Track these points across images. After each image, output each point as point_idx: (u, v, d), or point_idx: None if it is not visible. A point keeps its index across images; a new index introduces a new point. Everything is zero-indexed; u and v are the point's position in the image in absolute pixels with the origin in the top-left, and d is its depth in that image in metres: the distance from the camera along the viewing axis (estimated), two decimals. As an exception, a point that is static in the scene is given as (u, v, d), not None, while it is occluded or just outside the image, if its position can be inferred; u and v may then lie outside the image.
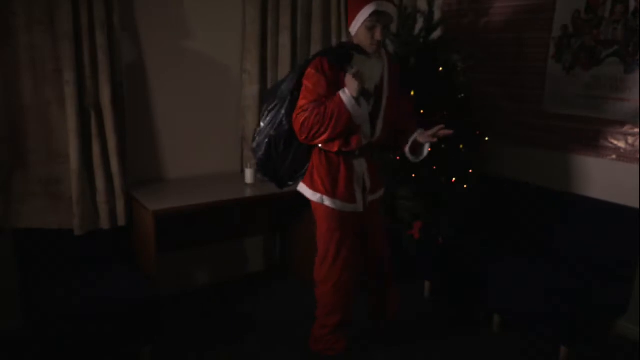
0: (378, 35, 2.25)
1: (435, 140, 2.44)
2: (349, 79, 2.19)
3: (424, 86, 3.01)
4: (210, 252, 3.42)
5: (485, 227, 3.25)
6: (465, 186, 3.07)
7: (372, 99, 2.37)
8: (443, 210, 3.08)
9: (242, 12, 3.14)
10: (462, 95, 3.11)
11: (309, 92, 2.27)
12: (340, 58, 2.29)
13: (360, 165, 2.46)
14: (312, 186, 2.45)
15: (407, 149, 2.54)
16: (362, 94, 2.25)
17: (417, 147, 2.54)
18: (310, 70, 2.28)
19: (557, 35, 3.12)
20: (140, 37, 2.86)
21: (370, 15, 2.21)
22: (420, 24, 3.22)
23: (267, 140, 2.44)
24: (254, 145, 2.51)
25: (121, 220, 2.81)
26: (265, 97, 2.61)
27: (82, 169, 2.64)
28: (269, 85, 3.29)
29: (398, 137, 2.57)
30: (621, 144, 2.91)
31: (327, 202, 2.42)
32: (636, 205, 2.79)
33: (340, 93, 2.23)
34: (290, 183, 2.58)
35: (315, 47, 3.37)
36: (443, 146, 3.03)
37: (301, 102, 2.30)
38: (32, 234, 2.62)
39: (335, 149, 2.37)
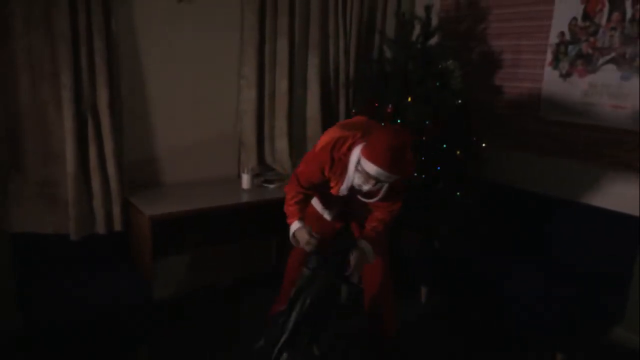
0: (368, 187, 2.18)
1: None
2: (301, 235, 2.28)
3: (421, 92, 3.01)
4: (206, 256, 3.40)
5: (483, 233, 3.24)
6: (462, 192, 3.07)
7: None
8: (440, 215, 3.08)
9: (241, 18, 3.15)
10: (460, 101, 3.11)
11: (306, 166, 2.35)
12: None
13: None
14: None
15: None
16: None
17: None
18: (325, 146, 2.24)
19: (554, 42, 3.14)
20: (138, 41, 2.86)
21: (369, 173, 2.13)
22: (417, 30, 3.23)
23: None
24: None
25: (117, 225, 2.80)
26: None
27: (78, 172, 2.62)
28: (266, 91, 3.29)
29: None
30: (618, 151, 2.91)
31: None
32: (633, 212, 2.79)
33: (291, 226, 2.33)
34: None
35: (313, 53, 3.38)
36: (441, 152, 3.04)
37: (299, 167, 2.39)
38: (29, 236, 2.60)
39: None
